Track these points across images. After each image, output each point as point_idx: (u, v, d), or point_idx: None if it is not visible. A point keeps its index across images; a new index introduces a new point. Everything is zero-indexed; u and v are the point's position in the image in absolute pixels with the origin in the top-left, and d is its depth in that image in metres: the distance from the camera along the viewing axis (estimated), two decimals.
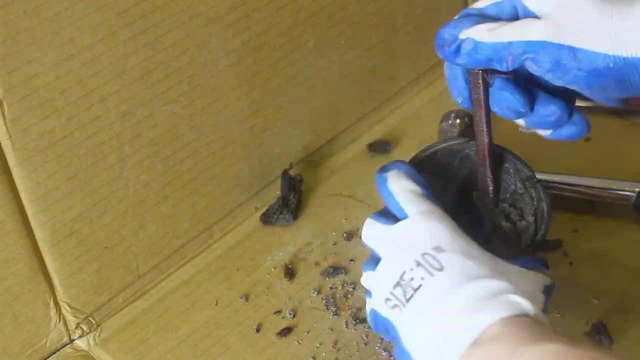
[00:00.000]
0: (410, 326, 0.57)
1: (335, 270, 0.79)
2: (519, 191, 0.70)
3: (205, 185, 0.82)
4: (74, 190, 0.71)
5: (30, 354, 0.74)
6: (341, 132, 0.93)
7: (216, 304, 0.78)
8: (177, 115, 0.76)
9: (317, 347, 0.73)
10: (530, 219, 0.69)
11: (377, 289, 0.60)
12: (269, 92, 0.84)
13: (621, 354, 0.69)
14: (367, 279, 0.62)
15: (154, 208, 0.78)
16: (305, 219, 0.85)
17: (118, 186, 0.74)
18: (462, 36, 0.62)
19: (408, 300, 0.57)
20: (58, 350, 0.75)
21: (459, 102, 0.66)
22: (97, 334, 0.76)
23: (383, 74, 0.94)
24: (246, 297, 0.78)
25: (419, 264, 0.58)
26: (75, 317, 0.75)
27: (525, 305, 0.55)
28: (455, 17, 0.64)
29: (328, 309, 0.76)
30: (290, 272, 0.80)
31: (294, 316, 0.76)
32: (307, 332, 0.74)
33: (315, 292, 0.77)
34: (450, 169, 0.71)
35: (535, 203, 0.68)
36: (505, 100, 0.63)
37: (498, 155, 0.70)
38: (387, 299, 0.58)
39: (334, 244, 0.82)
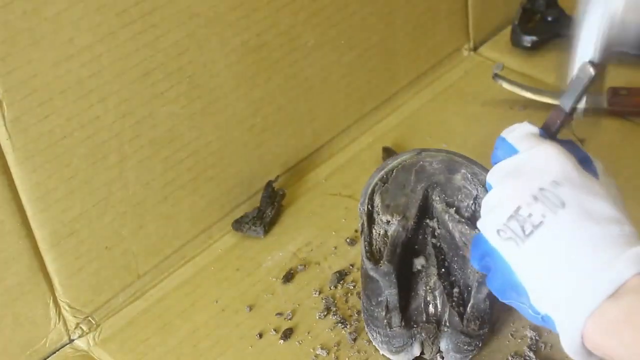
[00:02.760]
0: (531, 262, 0.56)
1: (335, 270, 0.79)
2: (480, 195, 0.70)
3: (205, 185, 0.82)
4: (73, 190, 0.71)
5: (30, 354, 0.74)
6: (341, 132, 0.93)
7: (216, 304, 0.78)
8: (177, 115, 0.76)
9: (317, 348, 0.73)
10: None
11: (488, 217, 0.59)
12: (269, 92, 0.84)
13: None
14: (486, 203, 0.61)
15: (154, 208, 0.78)
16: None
17: (118, 186, 0.74)
18: None
19: (528, 235, 0.56)
20: (58, 350, 0.75)
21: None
22: (97, 334, 0.76)
23: (383, 74, 0.94)
24: (246, 297, 0.78)
25: (536, 199, 0.56)
26: (75, 317, 0.75)
27: None
28: None
29: (328, 309, 0.76)
30: (290, 273, 0.80)
31: (294, 316, 0.76)
32: (308, 333, 0.74)
33: (316, 293, 0.77)
34: (408, 185, 0.72)
35: None
36: None
37: (451, 160, 0.72)
38: (500, 230, 0.57)
39: (335, 247, 0.82)
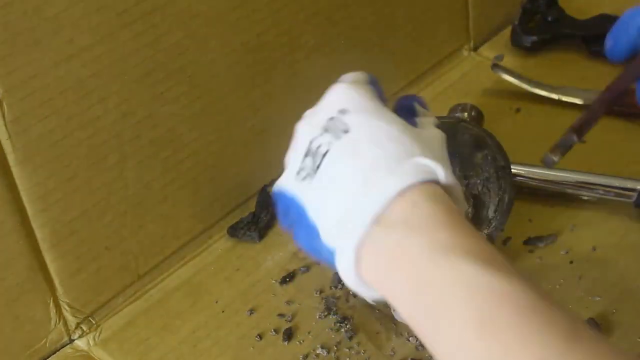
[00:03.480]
0: (317, 196, 0.54)
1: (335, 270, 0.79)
2: (491, 179, 0.70)
3: (205, 185, 0.82)
4: (73, 190, 0.71)
5: (30, 354, 0.74)
6: None
7: (216, 304, 0.78)
8: (177, 115, 0.76)
9: (318, 347, 0.73)
10: (491, 209, 0.69)
11: (289, 165, 0.57)
12: (269, 92, 0.83)
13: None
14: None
15: (154, 208, 0.78)
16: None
17: (118, 186, 0.74)
18: None
19: (317, 168, 0.54)
20: (58, 350, 0.75)
21: (609, 45, 0.65)
22: (97, 334, 0.76)
23: (383, 74, 0.94)
24: (246, 297, 0.78)
25: (326, 129, 0.55)
26: (75, 317, 0.75)
27: (435, 168, 0.52)
28: None
29: (329, 309, 0.76)
30: (290, 273, 0.80)
31: (294, 317, 0.76)
32: (309, 333, 0.74)
33: (317, 293, 0.77)
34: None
35: (500, 193, 0.68)
36: None
37: (481, 139, 0.71)
38: (298, 172, 0.55)
39: None
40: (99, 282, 0.76)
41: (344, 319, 0.75)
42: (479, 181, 0.71)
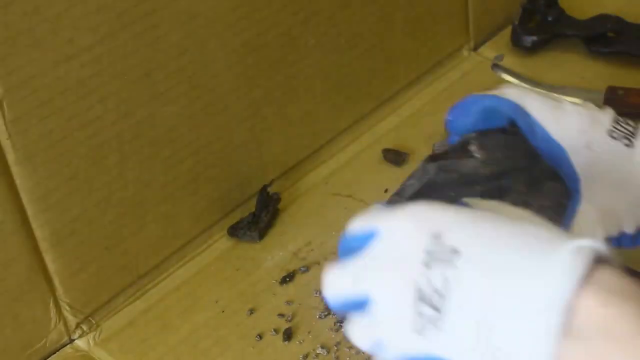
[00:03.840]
0: (457, 339, 0.44)
1: None
2: (549, 210, 0.67)
3: (205, 185, 0.82)
4: (74, 190, 0.71)
5: (30, 354, 0.74)
6: (341, 132, 0.93)
7: (216, 304, 0.78)
8: (177, 115, 0.76)
9: (318, 347, 0.73)
10: None
11: (390, 327, 0.46)
12: (269, 92, 0.84)
13: None
14: (363, 330, 0.48)
15: (154, 208, 0.78)
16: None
17: (118, 186, 0.74)
18: None
19: (442, 309, 0.44)
20: (58, 350, 0.75)
21: (448, 120, 0.66)
22: (97, 334, 0.76)
23: (383, 74, 0.94)
24: (246, 297, 0.78)
25: (427, 265, 0.44)
26: (75, 317, 0.75)
27: (595, 245, 0.42)
28: None
29: (329, 309, 0.76)
30: (290, 273, 0.80)
31: (294, 317, 0.76)
32: (308, 333, 0.74)
33: (316, 293, 0.77)
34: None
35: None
36: None
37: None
38: (414, 329, 0.45)
39: (336, 246, 0.82)
40: (99, 282, 0.76)
41: (344, 318, 0.75)
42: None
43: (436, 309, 0.44)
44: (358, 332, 0.48)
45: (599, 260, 0.42)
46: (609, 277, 0.42)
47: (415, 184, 0.63)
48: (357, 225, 0.50)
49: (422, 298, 0.44)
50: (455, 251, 0.44)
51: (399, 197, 0.63)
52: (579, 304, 0.41)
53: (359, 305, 0.47)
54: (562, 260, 0.42)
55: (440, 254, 0.44)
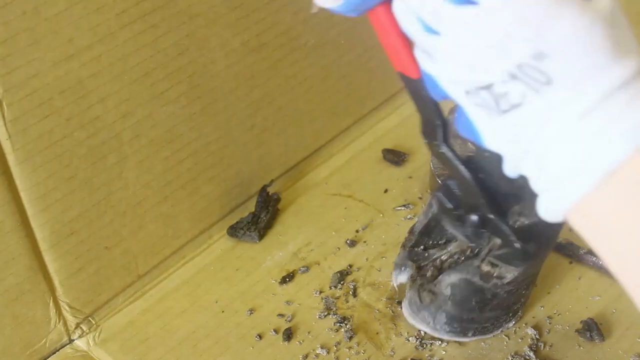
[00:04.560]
0: (506, 137, 0.48)
1: (336, 270, 0.79)
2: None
3: (205, 185, 0.82)
4: (73, 190, 0.71)
5: (30, 354, 0.74)
6: (341, 132, 0.93)
7: (216, 304, 0.78)
8: (177, 115, 0.76)
9: (317, 347, 0.73)
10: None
11: (456, 71, 0.48)
12: (269, 92, 0.84)
13: None
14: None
15: (154, 208, 0.78)
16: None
17: (117, 186, 0.74)
18: None
19: (504, 112, 0.47)
20: (58, 350, 0.75)
21: None
22: (97, 334, 0.76)
23: (383, 74, 0.94)
24: (246, 297, 0.78)
25: (514, 77, 0.46)
26: (75, 317, 0.75)
27: None
28: None
29: (329, 310, 0.76)
30: (290, 273, 0.80)
31: (294, 317, 0.76)
32: (308, 333, 0.74)
33: (316, 293, 0.77)
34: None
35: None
36: None
37: None
38: (469, 93, 0.48)
39: (335, 247, 0.82)
40: (99, 282, 0.76)
41: (344, 319, 0.75)
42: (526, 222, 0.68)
43: (495, 105, 0.47)
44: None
45: None
46: None
47: (423, 219, 0.69)
48: None
49: (488, 90, 0.47)
50: (548, 82, 0.46)
51: (412, 234, 0.69)
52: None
53: None
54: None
55: (531, 74, 0.46)
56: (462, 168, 0.62)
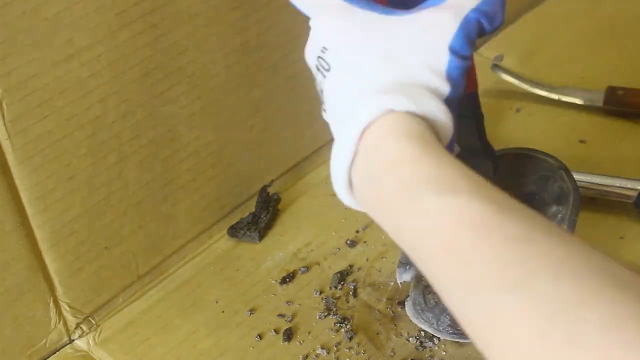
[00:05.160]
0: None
1: (336, 270, 0.79)
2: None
3: (206, 185, 0.82)
4: (73, 190, 0.71)
5: (30, 354, 0.74)
6: None
7: (216, 304, 0.78)
8: (177, 115, 0.76)
9: (318, 348, 0.73)
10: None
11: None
12: (269, 92, 0.83)
13: None
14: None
15: (154, 208, 0.78)
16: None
17: (117, 186, 0.74)
18: None
19: (323, 100, 0.60)
20: (58, 350, 0.75)
21: None
22: (97, 334, 0.76)
23: None
24: (246, 297, 0.78)
25: (317, 68, 0.60)
26: (75, 317, 0.75)
27: (393, 101, 0.52)
28: None
29: (329, 310, 0.76)
30: (290, 273, 0.80)
31: (294, 317, 0.76)
32: (308, 333, 0.74)
33: (316, 293, 0.77)
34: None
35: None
36: None
37: (565, 196, 0.71)
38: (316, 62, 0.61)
39: (335, 247, 0.82)
40: (99, 282, 0.76)
41: (344, 319, 0.75)
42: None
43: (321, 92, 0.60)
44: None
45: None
46: (389, 123, 0.52)
47: None
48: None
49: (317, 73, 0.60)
50: (328, 68, 0.59)
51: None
52: (363, 141, 0.53)
53: None
54: (361, 112, 0.53)
55: (322, 65, 0.60)
56: None
